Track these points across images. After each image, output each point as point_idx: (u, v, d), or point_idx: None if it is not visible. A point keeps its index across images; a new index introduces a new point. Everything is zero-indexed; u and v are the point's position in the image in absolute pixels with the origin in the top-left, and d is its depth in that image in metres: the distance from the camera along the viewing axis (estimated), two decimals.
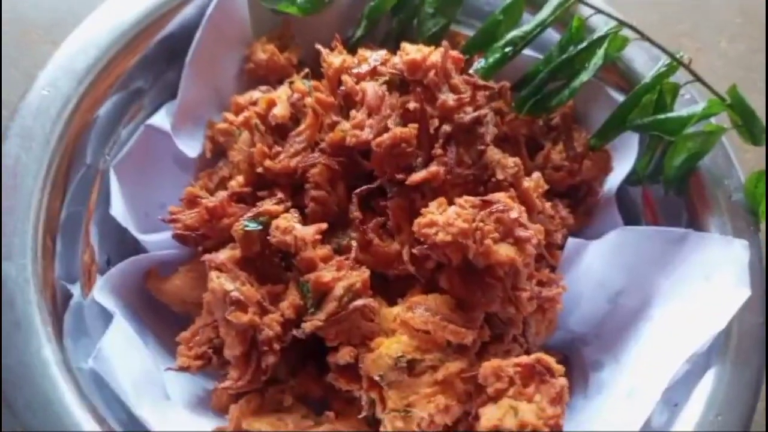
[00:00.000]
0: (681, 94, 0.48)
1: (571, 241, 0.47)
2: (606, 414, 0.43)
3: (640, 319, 0.46)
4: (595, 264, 0.47)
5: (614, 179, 0.50)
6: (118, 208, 0.48)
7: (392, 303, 0.43)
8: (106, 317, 0.45)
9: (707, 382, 0.41)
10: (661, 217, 0.50)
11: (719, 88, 0.48)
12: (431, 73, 0.45)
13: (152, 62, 0.52)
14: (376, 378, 0.40)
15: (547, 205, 0.47)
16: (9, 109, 0.61)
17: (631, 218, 0.51)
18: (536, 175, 0.46)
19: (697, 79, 0.47)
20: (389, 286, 0.45)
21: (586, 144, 0.50)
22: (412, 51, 0.46)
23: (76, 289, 0.46)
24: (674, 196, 0.49)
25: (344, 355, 0.41)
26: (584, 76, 0.48)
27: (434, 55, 0.45)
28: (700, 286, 0.44)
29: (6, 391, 0.40)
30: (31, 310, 0.42)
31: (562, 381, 0.38)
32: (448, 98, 0.45)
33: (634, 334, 0.46)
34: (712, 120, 0.47)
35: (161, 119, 0.52)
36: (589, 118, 0.52)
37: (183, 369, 0.44)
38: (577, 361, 0.48)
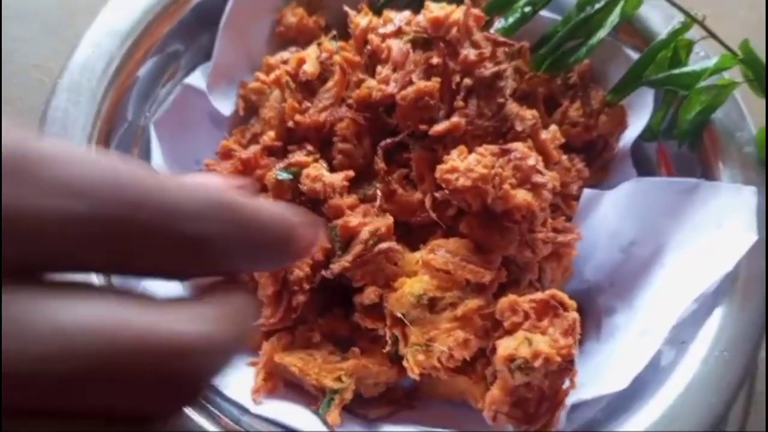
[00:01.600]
0: (695, 51, 0.50)
1: (587, 192, 0.49)
2: (618, 354, 0.46)
3: (652, 266, 0.48)
4: (610, 214, 0.49)
5: (630, 134, 0.52)
6: (158, 162, 0.51)
7: (415, 249, 0.46)
8: None
9: (713, 321, 0.43)
10: (675, 172, 0.52)
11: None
12: (453, 30, 0.47)
13: (188, 26, 0.55)
14: (399, 315, 0.43)
15: (564, 157, 0.49)
16: (51, 76, 0.65)
17: (646, 173, 0.52)
18: (553, 127, 0.48)
19: (711, 34, 0.49)
20: (412, 233, 0.47)
21: (602, 101, 0.52)
22: (435, 9, 0.48)
23: None
24: (688, 150, 0.51)
25: (369, 295, 0.44)
26: (601, 33, 0.50)
27: (456, 13, 0.48)
28: (711, 233, 0.46)
29: None
30: None
31: (574, 315, 0.40)
32: (469, 53, 0.47)
33: (647, 281, 0.48)
34: (725, 74, 0.49)
35: (197, 79, 0.55)
36: (606, 77, 0.54)
37: None
38: (591, 308, 0.50)
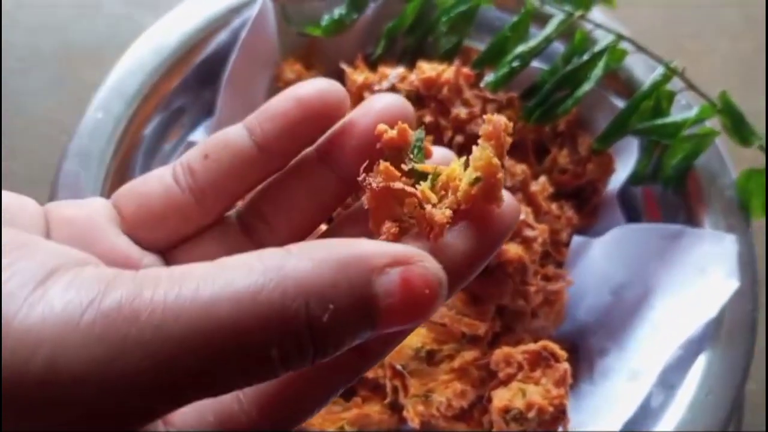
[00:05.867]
0: (677, 99, 0.52)
1: (576, 239, 0.51)
2: (610, 396, 0.48)
3: (642, 308, 0.50)
4: (599, 259, 0.51)
5: (617, 180, 0.54)
6: None
7: None
8: None
9: (700, 365, 0.45)
10: (661, 215, 0.54)
11: (721, 86, 0.52)
12: (445, 89, 0.49)
13: (192, 84, 0.57)
14: (399, 367, 0.45)
15: (554, 206, 0.52)
16: (59, 128, 0.68)
17: (633, 216, 0.55)
18: (542, 179, 0.51)
19: (690, 86, 0.51)
20: None
21: (589, 148, 0.54)
22: (427, 69, 0.51)
23: None
24: (672, 194, 0.53)
25: None
26: (586, 86, 0.52)
27: (447, 73, 0.50)
28: (695, 278, 0.48)
29: None
30: None
31: (565, 365, 0.42)
32: (460, 112, 0.49)
33: (637, 322, 0.50)
34: (707, 123, 0.51)
35: (200, 135, 0.57)
36: (592, 123, 0.56)
37: None
38: (584, 349, 0.52)
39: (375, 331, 0.19)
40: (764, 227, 0.55)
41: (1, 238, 0.19)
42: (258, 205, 0.28)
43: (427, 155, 0.26)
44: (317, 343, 0.19)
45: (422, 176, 0.24)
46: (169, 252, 0.27)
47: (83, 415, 0.17)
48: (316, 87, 0.26)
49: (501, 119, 0.23)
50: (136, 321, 0.17)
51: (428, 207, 0.22)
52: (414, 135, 0.25)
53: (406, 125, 0.24)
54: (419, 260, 0.20)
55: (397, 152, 0.24)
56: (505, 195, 0.24)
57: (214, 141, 0.27)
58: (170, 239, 0.27)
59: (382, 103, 0.27)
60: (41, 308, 0.17)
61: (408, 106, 0.27)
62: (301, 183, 0.28)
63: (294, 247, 0.20)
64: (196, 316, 0.17)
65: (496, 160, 0.23)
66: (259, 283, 0.18)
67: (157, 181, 0.27)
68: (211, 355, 0.17)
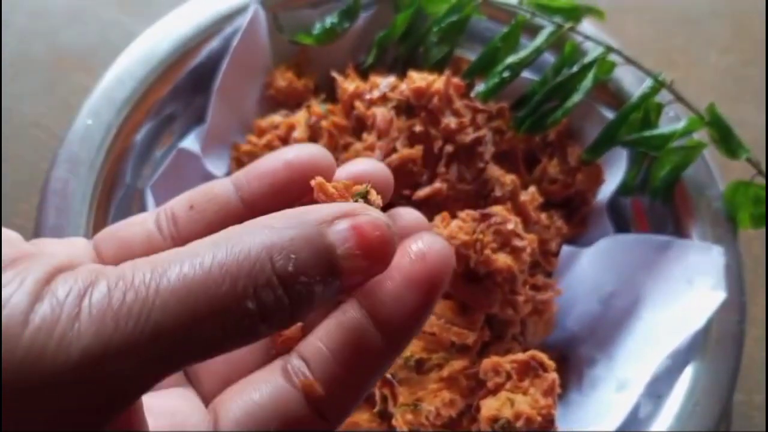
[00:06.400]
0: (665, 111, 0.53)
1: (565, 249, 0.52)
2: (598, 407, 0.48)
3: (630, 318, 0.50)
4: (588, 269, 0.51)
5: (606, 190, 0.55)
6: None
7: None
8: None
9: (687, 376, 0.46)
10: (650, 225, 0.54)
11: (710, 98, 0.52)
12: (435, 99, 0.50)
13: (183, 91, 0.57)
14: (388, 376, 0.45)
15: (543, 215, 0.52)
16: (48, 134, 0.68)
17: (622, 226, 0.55)
18: (532, 189, 0.51)
19: (678, 98, 0.51)
20: None
21: (579, 158, 0.55)
22: (417, 79, 0.51)
23: None
24: (661, 206, 0.53)
25: None
26: (576, 98, 0.52)
27: (437, 83, 0.50)
28: (683, 288, 0.48)
29: None
30: None
31: (554, 375, 0.42)
32: (450, 122, 0.49)
33: (624, 332, 0.50)
34: (695, 135, 0.52)
35: (191, 142, 0.57)
36: (582, 134, 0.57)
37: None
38: (573, 358, 0.53)
39: (342, 279, 0.22)
40: (764, 233, 0.56)
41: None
42: None
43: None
44: (289, 291, 0.21)
45: None
46: None
47: (87, 392, 0.19)
48: (306, 152, 0.28)
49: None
50: (123, 300, 0.19)
51: None
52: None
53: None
54: (363, 211, 0.22)
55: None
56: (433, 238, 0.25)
57: (200, 192, 0.28)
58: None
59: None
60: (48, 300, 0.19)
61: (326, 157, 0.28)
62: None
63: (250, 221, 0.22)
64: (173, 288, 0.20)
65: None
66: (224, 251, 0.20)
67: (140, 227, 0.28)
68: (191, 318, 0.19)
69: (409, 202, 0.49)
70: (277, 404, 0.23)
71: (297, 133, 0.53)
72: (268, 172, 0.28)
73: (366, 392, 0.24)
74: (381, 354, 0.24)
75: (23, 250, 0.21)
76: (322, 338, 0.24)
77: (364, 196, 0.26)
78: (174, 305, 0.19)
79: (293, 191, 0.27)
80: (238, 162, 0.57)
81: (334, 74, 0.56)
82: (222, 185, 0.28)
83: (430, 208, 0.49)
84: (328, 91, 0.58)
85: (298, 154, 0.28)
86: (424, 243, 0.24)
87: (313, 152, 0.28)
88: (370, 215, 0.22)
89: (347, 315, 0.24)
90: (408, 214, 0.28)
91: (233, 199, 0.28)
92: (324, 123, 0.53)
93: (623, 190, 0.54)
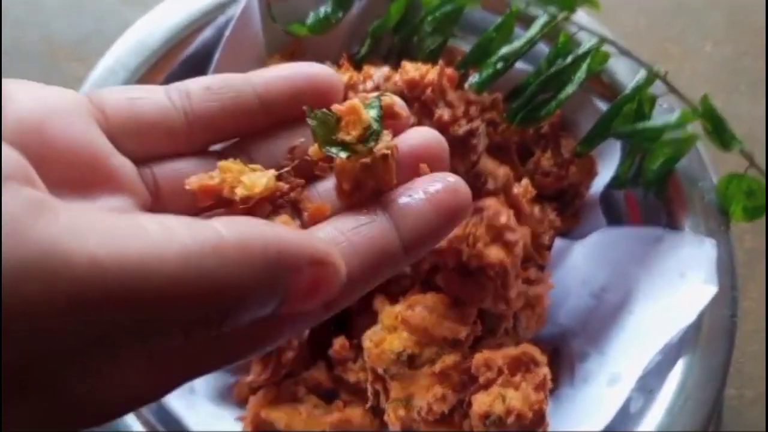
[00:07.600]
0: (659, 103, 0.52)
1: (558, 242, 0.52)
2: (589, 402, 0.48)
3: (622, 312, 0.50)
4: (580, 262, 0.51)
5: (599, 183, 0.55)
6: None
7: (394, 301, 0.48)
8: None
9: (679, 370, 0.46)
10: (642, 218, 0.54)
11: (704, 90, 0.52)
12: (428, 91, 0.49)
13: (176, 80, 0.56)
14: (380, 371, 0.45)
15: (536, 208, 0.52)
16: None
17: (615, 218, 0.55)
18: (525, 181, 0.51)
19: (672, 90, 0.51)
20: (390, 284, 0.50)
21: (572, 151, 0.54)
22: (411, 70, 0.50)
23: None
24: (654, 198, 0.53)
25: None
26: (569, 89, 0.52)
27: (431, 74, 0.50)
28: (675, 282, 0.48)
29: None
30: None
31: (545, 370, 0.42)
32: (443, 113, 0.49)
33: (616, 327, 0.50)
34: (688, 127, 0.51)
35: None
36: (576, 125, 0.57)
37: None
38: (565, 352, 0.53)
39: (278, 308, 0.22)
40: (757, 227, 0.56)
41: None
42: (244, 145, 0.29)
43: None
44: (223, 317, 0.21)
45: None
46: (142, 164, 0.27)
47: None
48: (326, 70, 0.29)
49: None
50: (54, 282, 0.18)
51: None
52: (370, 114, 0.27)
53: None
54: (332, 261, 0.23)
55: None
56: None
57: (218, 78, 0.28)
58: (148, 153, 0.27)
59: None
60: None
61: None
62: (293, 135, 0.29)
63: (223, 228, 0.21)
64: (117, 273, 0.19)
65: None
66: (184, 256, 0.19)
67: (147, 93, 0.28)
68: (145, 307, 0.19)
69: None
70: None
71: None
72: (287, 76, 0.28)
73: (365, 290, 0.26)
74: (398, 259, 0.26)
75: None
76: (344, 232, 0.25)
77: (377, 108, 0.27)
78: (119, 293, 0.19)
79: (309, 102, 0.27)
80: None
81: (328, 64, 0.55)
82: (240, 78, 0.28)
83: None
84: None
85: (318, 70, 0.28)
86: (455, 179, 0.27)
87: (332, 73, 0.28)
88: (335, 269, 0.23)
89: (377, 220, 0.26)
90: (417, 133, 0.29)
91: (250, 91, 0.28)
92: None
93: (616, 182, 0.54)
